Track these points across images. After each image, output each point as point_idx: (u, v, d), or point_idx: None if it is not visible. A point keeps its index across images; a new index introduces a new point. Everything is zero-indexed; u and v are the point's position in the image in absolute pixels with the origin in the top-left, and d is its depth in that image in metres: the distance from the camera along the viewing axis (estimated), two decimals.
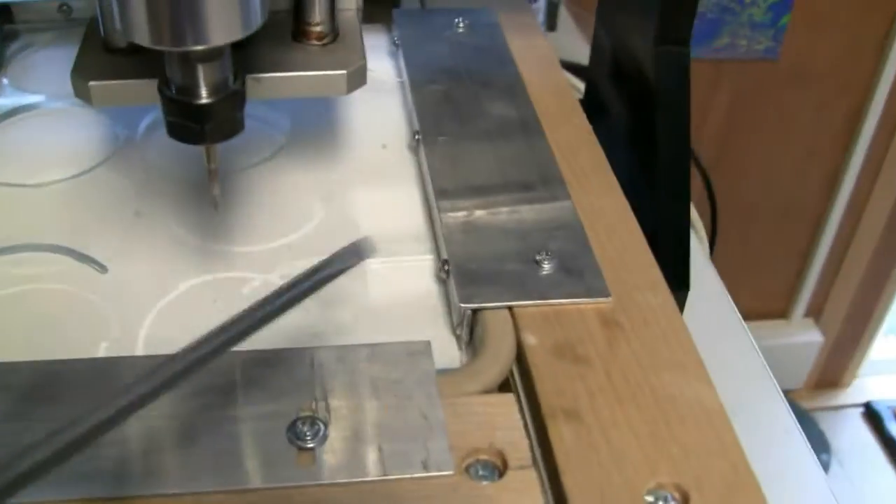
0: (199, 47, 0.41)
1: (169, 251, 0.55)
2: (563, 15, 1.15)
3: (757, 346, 0.73)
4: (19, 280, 0.53)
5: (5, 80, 0.70)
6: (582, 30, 1.14)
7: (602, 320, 0.50)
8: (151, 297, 0.52)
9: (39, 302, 0.52)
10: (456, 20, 0.72)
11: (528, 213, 0.56)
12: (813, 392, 2.05)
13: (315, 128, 0.65)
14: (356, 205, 0.59)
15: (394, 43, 0.72)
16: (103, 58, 0.54)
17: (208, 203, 0.50)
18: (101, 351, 0.49)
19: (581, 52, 1.05)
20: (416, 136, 0.62)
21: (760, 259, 1.86)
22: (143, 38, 0.40)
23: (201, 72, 0.43)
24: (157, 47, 0.41)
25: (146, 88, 0.52)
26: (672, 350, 0.49)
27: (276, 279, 0.54)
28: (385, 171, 0.62)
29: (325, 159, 0.63)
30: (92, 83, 0.52)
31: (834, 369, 2.06)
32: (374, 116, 0.66)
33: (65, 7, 0.75)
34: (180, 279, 0.54)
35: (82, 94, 0.52)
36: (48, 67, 0.72)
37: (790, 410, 0.68)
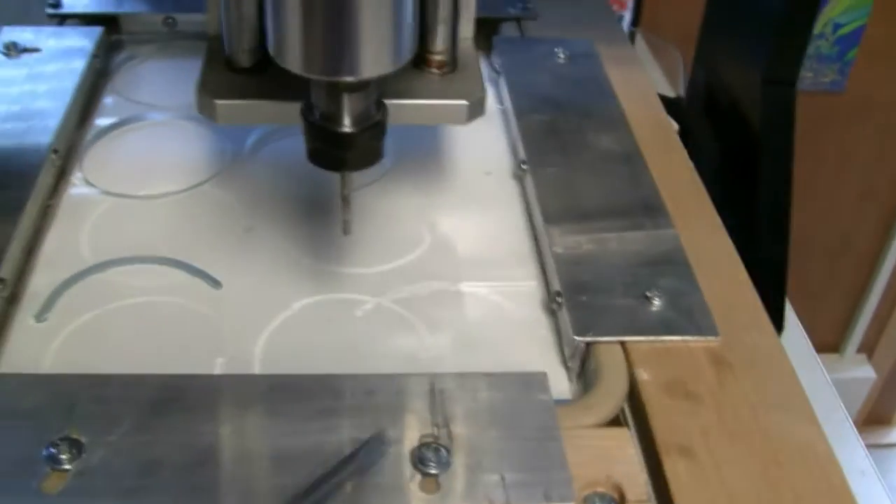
0: (350, 79, 0.41)
1: (280, 268, 0.56)
2: (640, 43, 1.15)
3: (831, 383, 0.73)
4: (135, 292, 0.54)
5: (112, 91, 0.71)
6: (658, 59, 1.14)
7: (711, 358, 0.50)
8: (265, 314, 0.53)
9: (155, 314, 0.53)
10: (556, 50, 0.73)
11: (635, 245, 0.56)
12: (864, 429, 2.03)
13: (418, 151, 0.66)
14: (462, 230, 0.60)
15: (494, 70, 0.72)
16: (227, 76, 0.54)
17: (340, 227, 0.50)
18: (218, 367, 0.50)
19: (658, 82, 1.05)
20: (523, 165, 0.62)
21: (815, 293, 1.85)
22: (295, 65, 0.41)
23: (347, 101, 0.43)
24: (308, 76, 0.41)
25: (270, 108, 0.53)
26: (780, 391, 0.49)
27: (388, 303, 0.54)
28: (490, 197, 0.63)
29: (429, 183, 0.63)
30: (218, 101, 0.52)
31: (885, 406, 2.04)
32: (477, 142, 0.67)
33: (170, 19, 0.76)
34: (292, 298, 0.54)
35: (207, 111, 0.53)
36: (153, 79, 0.73)
37: (867, 452, 0.68)
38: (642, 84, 0.73)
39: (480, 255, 0.58)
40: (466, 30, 0.56)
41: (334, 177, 0.57)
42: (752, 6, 0.65)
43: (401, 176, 0.63)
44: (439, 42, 0.54)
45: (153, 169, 0.64)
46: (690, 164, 0.65)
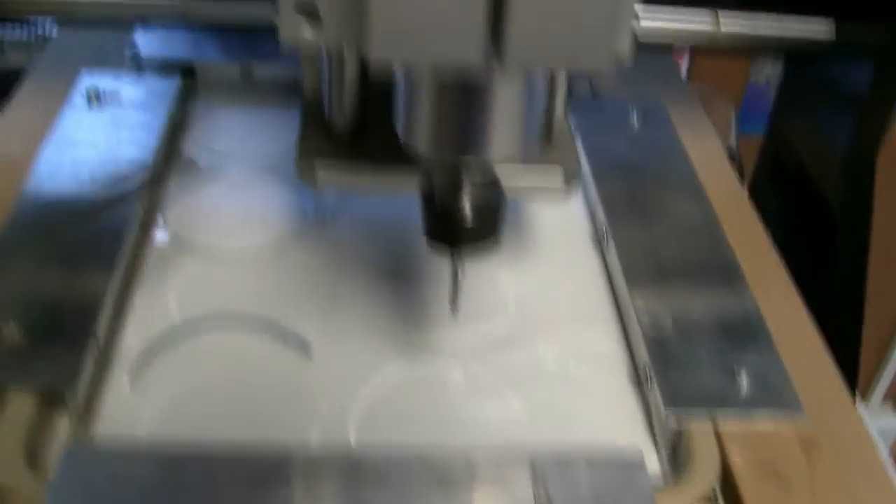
0: (475, 161, 0.42)
1: (369, 333, 0.57)
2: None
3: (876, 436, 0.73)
4: (226, 354, 0.55)
5: (191, 140, 0.72)
6: (709, 110, 1.15)
7: (800, 440, 0.51)
8: (356, 381, 0.54)
9: (246, 377, 0.54)
10: (629, 111, 0.74)
11: (718, 316, 0.57)
12: None
13: None
14: (545, 296, 0.60)
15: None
16: (326, 141, 0.55)
17: (449, 308, 0.51)
18: (315, 434, 0.50)
19: None
20: (604, 231, 0.63)
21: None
22: (421, 146, 0.41)
23: (469, 188, 0.44)
24: (432, 156, 0.42)
25: (371, 176, 0.54)
26: (869, 477, 0.50)
27: (475, 371, 0.55)
28: (571, 262, 0.63)
29: (509, 247, 0.64)
30: (319, 169, 0.53)
31: None
32: (557, 205, 0.67)
33: (247, 69, 0.76)
34: (382, 364, 0.55)
35: (307, 177, 0.54)
36: (231, 128, 0.74)
37: None
38: (713, 147, 0.73)
39: (564, 322, 0.58)
40: (560, 105, 0.56)
41: (417, 241, 0.58)
42: (835, 80, 0.66)
43: None
44: None
45: (236, 223, 0.64)
46: (766, 235, 0.65)
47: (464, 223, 0.44)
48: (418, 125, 0.41)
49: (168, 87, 0.73)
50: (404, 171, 0.54)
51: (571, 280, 0.62)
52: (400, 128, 0.42)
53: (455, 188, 0.44)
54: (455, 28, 0.34)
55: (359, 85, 0.54)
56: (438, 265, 0.61)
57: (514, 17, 0.33)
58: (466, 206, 0.44)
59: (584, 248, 0.65)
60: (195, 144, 0.72)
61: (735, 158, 1.06)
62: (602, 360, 0.57)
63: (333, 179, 0.53)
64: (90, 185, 0.62)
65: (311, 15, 0.44)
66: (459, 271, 0.48)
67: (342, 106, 0.54)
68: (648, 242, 0.62)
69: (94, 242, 0.58)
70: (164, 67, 0.77)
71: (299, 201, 0.66)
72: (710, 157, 0.72)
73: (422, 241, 0.59)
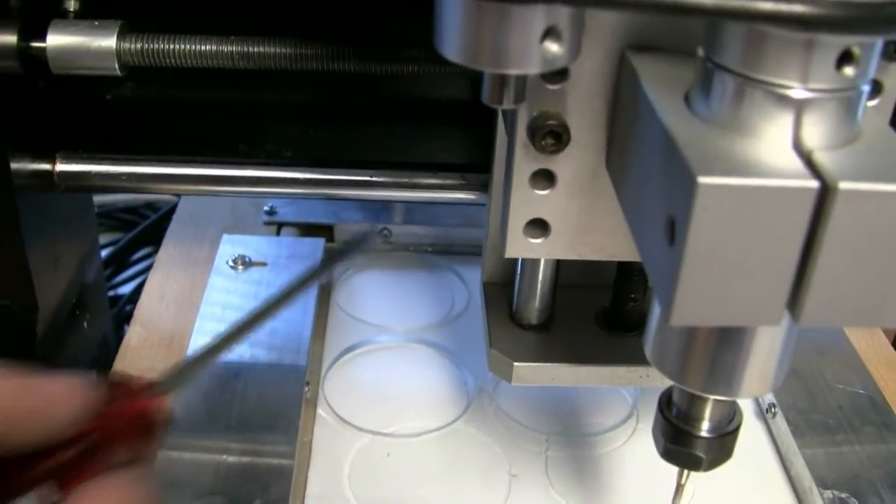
0: (726, 399, 0.41)
1: None
2: None
3: None
4: None
5: (336, 308, 0.71)
6: None
7: None
8: None
9: None
10: None
11: None
12: None
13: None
14: (718, 481, 0.58)
15: None
16: (516, 333, 0.55)
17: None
18: None
19: None
20: (772, 410, 0.62)
21: None
22: (672, 376, 0.41)
23: (713, 410, 0.43)
24: (681, 387, 0.41)
25: (564, 371, 0.53)
26: None
27: None
28: (738, 443, 0.62)
29: None
30: (517, 364, 0.52)
31: None
32: None
33: (385, 230, 0.76)
34: None
35: (501, 371, 0.53)
36: (374, 293, 0.73)
37: None
38: None
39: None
40: None
41: (588, 413, 0.58)
42: None
43: (646, 418, 0.63)
44: None
45: (397, 401, 0.63)
46: None
47: (705, 453, 0.43)
48: (670, 354, 0.41)
49: (312, 250, 0.73)
50: (595, 365, 0.54)
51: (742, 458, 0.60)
52: (648, 348, 0.42)
53: (698, 416, 0.43)
54: (760, 296, 0.33)
55: (551, 284, 0.54)
56: (603, 447, 0.60)
57: (816, 283, 0.33)
58: (706, 434, 0.43)
59: (750, 426, 0.64)
60: (342, 312, 0.71)
61: None
62: None
63: (529, 375, 0.53)
64: (250, 359, 0.62)
65: (542, 229, 0.44)
66: (685, 483, 0.47)
67: (533, 301, 0.54)
68: (818, 422, 0.61)
69: (267, 426, 0.57)
70: (303, 229, 0.77)
71: (459, 377, 0.65)
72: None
73: (584, 409, 0.59)
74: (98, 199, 1.09)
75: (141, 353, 0.65)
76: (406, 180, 0.61)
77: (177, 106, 0.66)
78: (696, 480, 0.56)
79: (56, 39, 0.54)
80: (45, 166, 0.60)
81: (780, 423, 0.61)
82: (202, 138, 0.65)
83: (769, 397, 0.63)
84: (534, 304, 0.54)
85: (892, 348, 0.70)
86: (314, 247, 0.73)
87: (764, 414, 0.64)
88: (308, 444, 0.60)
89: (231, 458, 0.55)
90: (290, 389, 0.60)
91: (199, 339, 0.64)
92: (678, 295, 0.33)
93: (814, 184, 0.31)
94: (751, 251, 0.32)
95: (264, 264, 0.71)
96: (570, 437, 0.61)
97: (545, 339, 0.54)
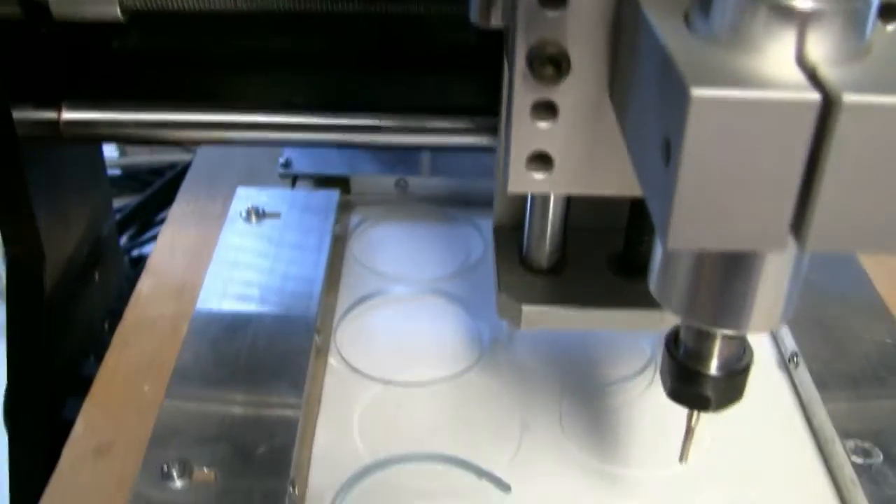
0: (734, 332, 0.40)
1: (562, 469, 0.54)
2: None
3: None
4: (419, 494, 0.53)
5: (351, 258, 0.71)
6: None
7: None
8: None
9: None
10: None
11: None
12: None
13: None
14: (736, 429, 0.57)
15: None
16: (526, 277, 0.54)
17: (679, 456, 0.48)
18: None
19: None
20: (795, 359, 0.60)
21: None
22: (678, 310, 0.39)
23: (720, 347, 0.42)
24: (689, 322, 0.40)
25: (574, 314, 0.52)
26: None
27: None
28: (759, 393, 0.60)
29: None
30: (525, 307, 0.51)
31: None
32: None
33: (402, 182, 0.75)
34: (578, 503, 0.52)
35: (510, 315, 0.52)
36: (389, 245, 0.72)
37: None
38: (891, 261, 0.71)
39: (758, 463, 0.56)
40: None
41: (605, 365, 0.56)
42: None
43: None
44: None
45: (410, 351, 0.62)
46: None
47: (713, 392, 0.42)
48: (675, 287, 0.39)
49: (327, 202, 0.72)
50: (607, 309, 0.52)
51: (762, 412, 0.59)
52: (653, 283, 0.40)
53: (706, 354, 0.42)
54: (761, 218, 0.32)
55: (562, 225, 0.52)
56: (621, 399, 0.59)
57: (822, 204, 0.31)
58: (715, 373, 0.42)
59: (770, 376, 0.62)
60: (356, 263, 0.70)
61: None
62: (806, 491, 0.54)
63: (538, 318, 0.52)
64: (266, 316, 0.61)
65: (544, 163, 0.43)
66: (695, 426, 0.46)
67: (543, 245, 0.53)
68: (842, 371, 0.59)
69: (275, 374, 0.57)
70: (318, 180, 0.76)
71: (474, 327, 0.64)
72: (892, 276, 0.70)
73: (599, 372, 0.57)
74: (124, 160, 1.09)
75: (151, 301, 0.64)
76: (415, 125, 0.60)
77: (184, 56, 0.65)
78: (714, 428, 0.56)
79: None
80: (51, 115, 0.59)
81: (803, 374, 0.60)
82: (210, 89, 0.64)
83: (791, 346, 0.61)
84: (544, 247, 0.53)
85: None
86: (328, 198, 0.72)
87: (787, 364, 0.62)
88: (318, 392, 0.59)
89: (237, 407, 0.55)
90: (300, 339, 0.59)
91: (211, 290, 0.63)
92: (674, 215, 0.32)
93: (816, 96, 0.30)
94: (750, 169, 0.31)
95: (278, 215, 0.70)
96: (585, 389, 0.59)
97: (556, 282, 0.53)
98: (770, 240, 0.32)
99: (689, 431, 0.46)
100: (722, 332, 0.40)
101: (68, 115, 0.60)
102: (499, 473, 0.54)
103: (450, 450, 0.55)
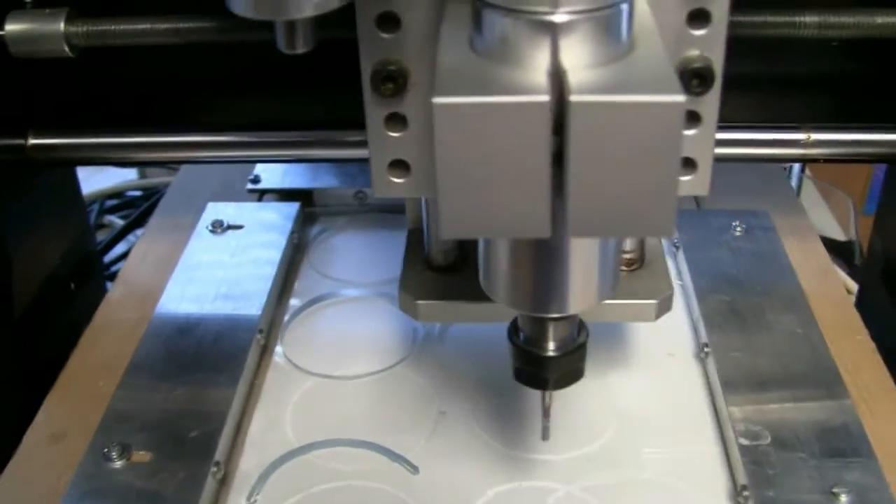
0: (556, 315, 0.44)
1: (473, 454, 0.59)
2: (809, 187, 1.15)
3: None
4: (338, 475, 0.58)
5: (308, 265, 0.76)
6: (829, 202, 1.15)
7: None
8: (461, 502, 0.55)
9: (356, 498, 0.56)
10: (733, 223, 0.74)
11: (819, 435, 0.57)
12: None
13: (599, 331, 0.68)
14: (646, 414, 0.61)
15: (673, 244, 0.74)
16: (427, 275, 0.58)
17: (541, 435, 0.53)
18: None
19: (829, 225, 1.06)
20: (706, 349, 0.64)
21: None
22: (504, 301, 0.44)
23: (552, 329, 0.46)
24: (516, 310, 0.44)
25: (469, 309, 0.56)
26: None
27: (578, 491, 0.56)
28: (673, 380, 0.64)
29: (610, 365, 0.65)
30: (419, 302, 0.56)
31: None
32: (659, 321, 0.68)
33: (360, 194, 0.81)
34: (486, 485, 0.57)
35: (409, 309, 0.57)
36: (345, 253, 0.78)
37: None
38: (820, 258, 0.73)
39: (666, 441, 0.59)
40: None
41: None
42: None
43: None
44: (629, 242, 0.57)
45: (348, 348, 0.68)
46: (872, 345, 0.65)
47: (550, 370, 0.46)
48: (498, 281, 0.44)
49: (287, 214, 0.78)
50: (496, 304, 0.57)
51: (674, 398, 0.63)
52: (482, 278, 0.45)
53: (540, 337, 0.46)
54: (522, 208, 0.36)
55: None
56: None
57: (572, 193, 0.36)
58: (551, 353, 0.46)
59: (687, 366, 0.65)
60: (312, 269, 0.76)
61: (854, 252, 1.05)
62: (704, 480, 0.57)
63: (433, 312, 0.56)
64: (213, 315, 0.67)
65: (404, 169, 0.48)
66: (548, 405, 0.50)
67: (439, 243, 0.57)
68: (750, 360, 0.63)
69: (215, 369, 0.62)
70: (284, 194, 0.82)
71: (409, 326, 0.69)
72: (816, 270, 0.73)
73: None
74: (144, 182, 1.16)
75: (119, 306, 0.71)
76: (335, 139, 0.65)
77: (147, 83, 0.70)
78: (622, 415, 0.60)
79: (12, 26, 0.60)
80: (17, 140, 0.66)
81: (710, 363, 0.63)
82: (164, 113, 0.70)
83: (704, 337, 0.65)
84: (439, 245, 0.57)
85: (840, 287, 0.70)
86: (289, 210, 0.78)
87: (700, 354, 0.65)
88: (259, 386, 0.64)
89: (178, 398, 0.60)
90: (243, 337, 0.65)
91: (171, 293, 0.69)
92: (442, 209, 0.36)
93: (544, 98, 0.34)
94: (501, 164, 0.35)
95: (241, 227, 0.76)
96: (501, 382, 0.63)
97: (453, 279, 0.57)
98: (533, 227, 0.37)
99: (545, 411, 0.50)
100: (545, 315, 0.45)
101: (35, 140, 0.66)
102: (410, 457, 0.58)
103: (370, 436, 0.60)
